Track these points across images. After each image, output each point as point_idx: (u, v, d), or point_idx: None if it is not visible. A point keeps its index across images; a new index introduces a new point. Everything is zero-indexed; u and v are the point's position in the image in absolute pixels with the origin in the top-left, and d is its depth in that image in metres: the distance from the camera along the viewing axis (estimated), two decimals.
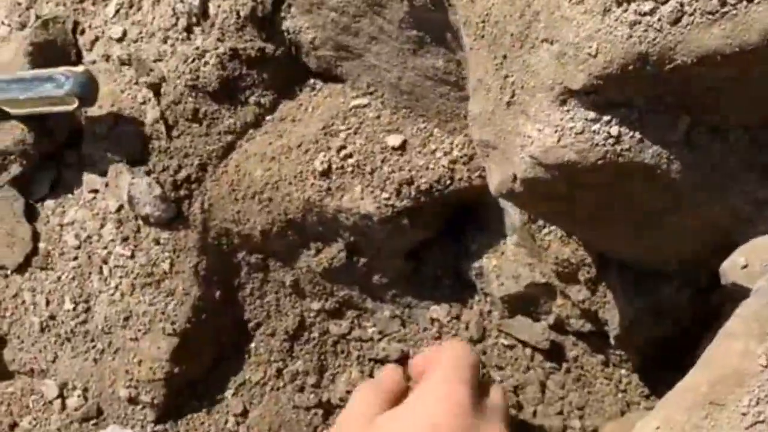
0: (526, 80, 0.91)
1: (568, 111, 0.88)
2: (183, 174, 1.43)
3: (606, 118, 0.88)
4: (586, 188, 0.95)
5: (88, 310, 1.51)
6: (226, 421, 1.55)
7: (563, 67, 0.86)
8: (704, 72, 0.82)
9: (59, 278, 1.51)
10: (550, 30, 0.86)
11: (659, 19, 0.80)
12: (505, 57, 0.93)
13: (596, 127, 0.88)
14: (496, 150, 0.99)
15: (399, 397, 1.23)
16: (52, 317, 1.51)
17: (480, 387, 1.19)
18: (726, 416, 0.83)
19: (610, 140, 0.88)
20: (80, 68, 1.37)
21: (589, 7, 0.83)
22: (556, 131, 0.89)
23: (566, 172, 0.92)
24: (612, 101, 0.87)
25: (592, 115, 0.88)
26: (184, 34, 1.42)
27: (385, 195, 1.35)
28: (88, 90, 1.35)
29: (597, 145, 0.88)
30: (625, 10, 0.81)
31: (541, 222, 1.26)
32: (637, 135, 0.88)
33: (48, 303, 1.51)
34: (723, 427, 0.83)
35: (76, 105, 1.35)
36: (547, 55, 0.88)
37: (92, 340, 1.51)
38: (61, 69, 1.37)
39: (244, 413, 1.56)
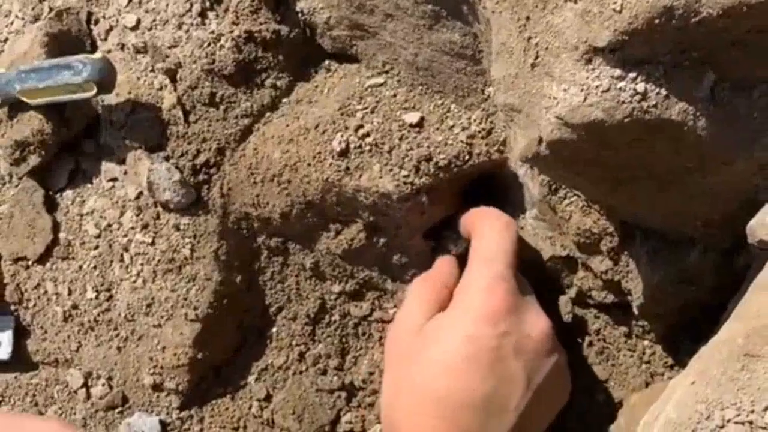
0: (550, 41, 0.91)
1: (593, 69, 0.89)
2: (201, 159, 1.43)
3: (632, 75, 0.88)
4: (611, 149, 0.96)
5: (110, 298, 1.51)
6: (250, 407, 1.56)
7: (588, 25, 0.87)
8: (729, 24, 0.83)
9: (81, 267, 1.52)
10: None
11: None
12: (528, 18, 0.93)
13: (622, 84, 0.88)
14: (520, 114, 0.99)
15: (454, 289, 1.30)
16: (75, 306, 1.52)
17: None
18: (762, 367, 0.83)
19: (636, 97, 0.88)
20: (98, 55, 1.37)
21: None
22: (582, 90, 0.90)
23: (592, 132, 0.92)
24: (637, 58, 0.88)
25: (617, 72, 0.88)
26: (199, 19, 1.43)
27: (403, 172, 1.36)
28: (106, 76, 1.36)
29: (623, 102, 0.89)
30: None
31: (562, 193, 1.27)
32: (663, 92, 0.89)
33: (70, 292, 1.52)
34: (759, 378, 0.83)
35: (94, 91, 1.36)
36: (571, 14, 0.88)
37: (115, 328, 1.52)
38: (79, 56, 1.38)
39: (268, 398, 1.56)
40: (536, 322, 1.24)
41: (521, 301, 1.24)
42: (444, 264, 1.38)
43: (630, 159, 0.98)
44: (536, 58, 0.93)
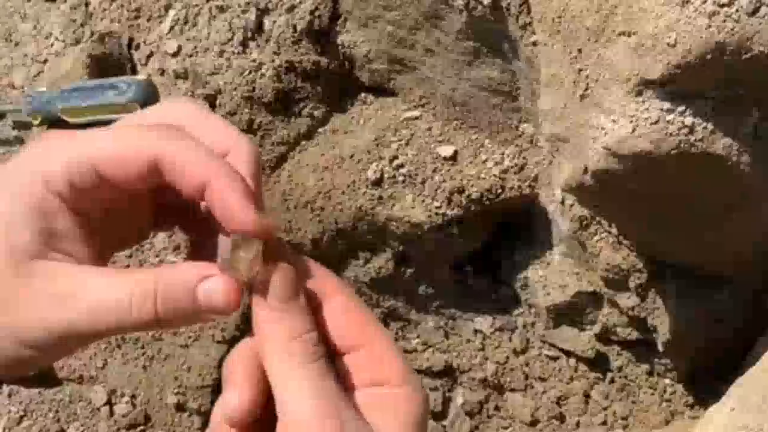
0: (601, 73, 0.95)
1: (643, 102, 0.92)
2: None
3: (680, 108, 0.91)
4: (655, 181, 0.98)
5: None
6: None
7: (640, 58, 0.90)
8: None
9: None
10: (628, 23, 0.90)
11: (737, 10, 0.84)
12: (580, 51, 0.97)
13: (671, 117, 0.91)
14: (567, 144, 1.02)
15: None
16: None
17: None
18: None
19: (684, 130, 0.92)
20: (142, 76, 1.40)
21: None
22: (631, 122, 0.93)
23: (639, 163, 0.95)
24: (686, 92, 0.91)
25: (667, 105, 0.91)
26: (240, 48, 1.46)
27: (436, 203, 1.38)
28: (150, 97, 1.39)
29: (671, 135, 0.92)
30: (704, 2, 0.85)
31: (592, 229, 1.29)
32: (710, 126, 0.92)
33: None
34: None
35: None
36: (624, 48, 0.92)
37: (142, 347, 1.53)
38: (124, 77, 1.41)
39: None
40: None
41: None
42: None
43: (672, 192, 1.00)
44: (586, 89, 0.97)
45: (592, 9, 0.92)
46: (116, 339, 1.54)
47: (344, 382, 0.58)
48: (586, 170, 0.99)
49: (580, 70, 0.96)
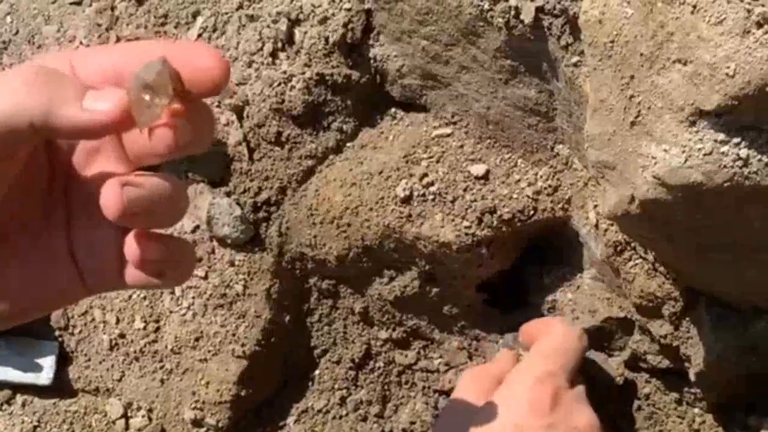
0: (654, 101, 0.92)
1: (697, 132, 0.89)
2: (263, 196, 1.43)
3: (735, 140, 0.88)
4: (704, 213, 0.96)
5: (158, 329, 1.50)
6: None
7: (696, 87, 0.87)
8: None
9: (130, 297, 1.51)
10: (685, 50, 0.87)
11: None
12: (632, 77, 0.94)
13: (725, 149, 0.89)
14: (613, 171, 1.00)
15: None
16: (122, 335, 1.51)
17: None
18: None
19: (738, 162, 0.89)
20: None
21: (728, 28, 0.84)
22: (683, 152, 0.90)
23: (689, 195, 0.92)
24: (742, 124, 0.88)
25: (721, 136, 0.88)
26: (270, 58, 1.44)
27: (465, 223, 1.36)
28: None
29: (725, 167, 0.89)
30: (766, 32, 0.83)
31: (627, 255, 1.27)
32: (765, 159, 0.89)
33: (118, 321, 1.51)
34: None
35: None
36: (679, 76, 0.89)
37: (160, 360, 1.51)
38: None
39: None
40: (583, 417, 1.24)
41: (569, 395, 1.24)
42: (504, 359, 1.38)
43: (720, 226, 0.98)
44: (637, 116, 0.94)
45: (647, 35, 0.90)
46: (135, 351, 1.51)
47: None
48: (632, 199, 0.96)
49: (631, 96, 0.93)
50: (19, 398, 1.56)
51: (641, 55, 0.92)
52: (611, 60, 0.96)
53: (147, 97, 0.50)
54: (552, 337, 1.30)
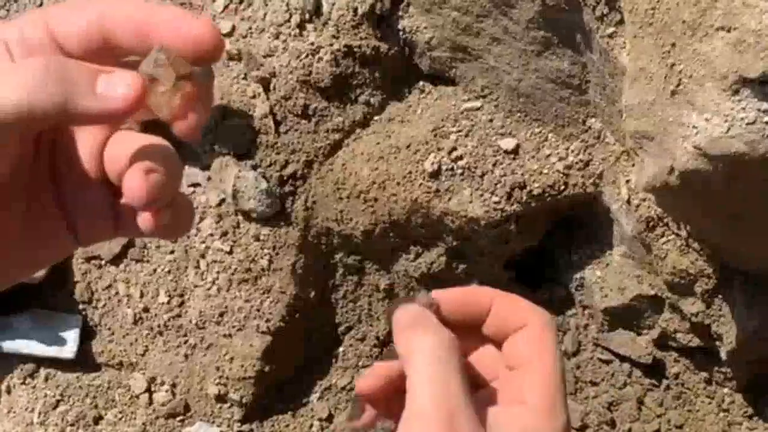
0: (696, 69, 0.90)
1: (740, 101, 0.87)
2: (289, 170, 1.42)
3: None
4: (744, 183, 0.94)
5: (182, 304, 1.49)
6: (311, 425, 1.53)
7: (740, 55, 0.85)
8: None
9: (155, 271, 1.50)
10: (729, 17, 0.85)
11: None
12: (673, 45, 0.92)
13: None
14: (652, 141, 0.98)
15: None
16: (146, 310, 1.49)
17: None
18: None
19: None
20: None
21: None
22: (725, 121, 0.88)
23: (730, 164, 0.91)
24: None
25: (765, 105, 0.86)
26: (297, 30, 1.42)
27: (494, 198, 1.34)
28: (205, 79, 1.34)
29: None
30: None
31: (659, 231, 1.25)
32: None
33: (142, 295, 1.50)
34: None
35: None
36: (722, 43, 0.87)
37: (185, 335, 1.49)
38: None
39: (329, 418, 1.54)
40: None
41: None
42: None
43: (760, 197, 0.96)
44: (678, 85, 0.92)
45: (690, 1, 0.88)
46: (159, 325, 1.50)
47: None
48: (672, 170, 0.94)
49: (672, 64, 0.91)
50: (43, 372, 1.54)
51: (683, 22, 0.90)
52: (652, 27, 0.94)
53: (160, 89, 0.49)
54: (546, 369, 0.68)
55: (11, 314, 1.54)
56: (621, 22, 1.12)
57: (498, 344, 0.62)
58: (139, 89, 0.49)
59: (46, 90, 0.48)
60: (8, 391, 1.55)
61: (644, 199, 1.24)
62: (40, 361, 1.55)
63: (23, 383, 1.55)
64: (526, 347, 0.59)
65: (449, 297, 0.62)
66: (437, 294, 0.60)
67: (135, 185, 0.50)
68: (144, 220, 0.52)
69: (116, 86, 0.49)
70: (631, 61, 0.99)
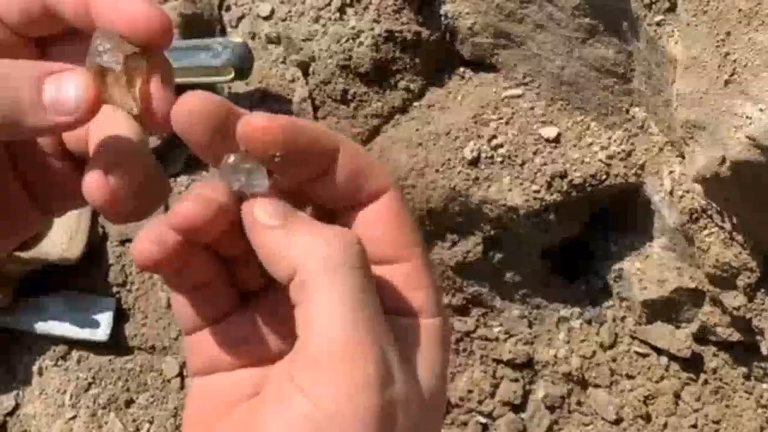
0: (751, 58, 0.88)
1: None
2: None
3: None
4: None
5: None
6: None
7: None
8: None
9: None
10: None
11: None
12: (728, 34, 0.90)
13: None
14: (704, 131, 0.96)
15: None
16: None
17: None
18: None
19: None
20: (238, 39, 1.35)
21: None
22: None
23: None
24: None
25: None
26: (337, 14, 1.41)
27: (534, 187, 1.33)
28: (245, 61, 1.34)
29: None
30: None
31: (702, 222, 1.23)
32: None
33: None
34: None
35: (231, 76, 1.34)
36: None
37: None
38: (219, 39, 1.36)
39: None
40: None
41: None
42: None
43: None
44: (732, 74, 0.90)
45: None
46: None
47: None
48: (723, 161, 0.92)
49: (726, 53, 0.89)
50: (75, 354, 1.54)
51: (739, 10, 0.88)
52: (706, 16, 0.92)
53: (113, 79, 0.45)
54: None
55: (44, 296, 1.54)
56: (669, 10, 1.10)
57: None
58: (92, 88, 0.44)
59: None
60: (40, 373, 1.55)
61: (687, 191, 1.22)
62: (73, 344, 1.55)
63: (55, 365, 1.55)
64: (391, 229, 0.47)
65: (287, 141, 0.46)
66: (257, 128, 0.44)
67: (93, 186, 0.44)
68: (104, 210, 0.46)
69: (67, 91, 0.44)
70: (684, 50, 0.97)
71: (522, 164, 1.33)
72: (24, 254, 1.45)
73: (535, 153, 1.33)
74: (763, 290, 1.23)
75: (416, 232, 0.48)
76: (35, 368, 1.54)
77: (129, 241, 1.52)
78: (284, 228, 0.45)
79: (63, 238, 1.46)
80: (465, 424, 1.53)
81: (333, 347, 0.42)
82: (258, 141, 0.45)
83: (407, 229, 0.48)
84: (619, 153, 1.31)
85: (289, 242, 0.45)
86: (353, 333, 0.43)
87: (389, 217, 0.47)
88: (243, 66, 1.33)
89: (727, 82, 0.91)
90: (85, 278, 1.53)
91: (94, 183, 0.44)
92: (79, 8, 0.46)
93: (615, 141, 1.32)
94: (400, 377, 0.44)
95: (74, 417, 1.53)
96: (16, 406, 1.56)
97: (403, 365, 0.45)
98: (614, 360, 1.49)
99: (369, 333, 0.43)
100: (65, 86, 0.44)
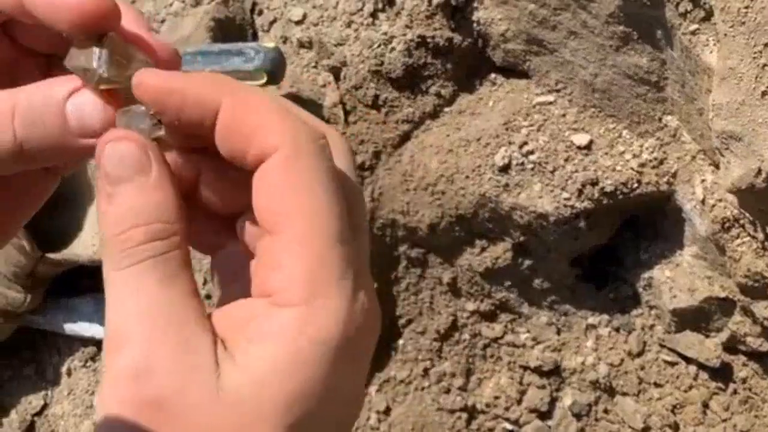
0: None
1: None
2: (357, 160, 1.41)
3: None
4: None
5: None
6: (368, 418, 1.53)
7: None
8: None
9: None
10: None
11: None
12: (766, 45, 0.90)
13: None
14: (740, 142, 0.96)
15: None
16: (208, 296, 1.49)
17: None
18: None
19: None
20: (271, 44, 1.36)
21: None
22: None
23: None
24: None
25: None
26: (370, 19, 1.41)
27: (565, 194, 1.32)
28: (278, 66, 1.34)
29: None
30: None
31: (734, 232, 1.22)
32: None
33: (205, 282, 1.50)
34: None
35: (264, 81, 1.34)
36: None
37: None
38: (252, 44, 1.36)
39: (387, 411, 1.53)
40: None
41: None
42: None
43: None
44: None
45: None
46: None
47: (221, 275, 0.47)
48: (759, 172, 0.92)
49: (764, 65, 0.89)
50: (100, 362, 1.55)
51: None
52: (744, 27, 0.92)
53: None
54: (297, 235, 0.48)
55: (74, 297, 1.54)
56: (705, 19, 1.09)
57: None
58: (107, 107, 0.44)
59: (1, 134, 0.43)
60: (69, 374, 1.56)
61: (720, 200, 1.22)
62: (102, 345, 1.55)
63: (84, 366, 1.56)
64: (271, 197, 0.43)
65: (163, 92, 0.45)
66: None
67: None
68: None
69: (90, 112, 0.44)
70: (720, 60, 0.97)
71: (553, 171, 1.33)
72: (55, 256, 1.46)
73: (566, 160, 1.33)
74: None
75: (312, 197, 0.43)
76: (64, 369, 1.55)
77: None
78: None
79: (94, 240, 1.47)
80: (491, 430, 1.53)
81: None
82: (139, 98, 0.45)
83: (288, 196, 0.43)
84: (651, 161, 1.31)
85: None
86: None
87: (267, 181, 0.43)
88: (276, 71, 1.33)
89: (764, 94, 0.90)
90: None
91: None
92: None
93: (647, 149, 1.31)
94: None
95: None
96: (45, 406, 1.57)
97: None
98: (642, 368, 1.48)
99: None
100: (87, 104, 0.44)
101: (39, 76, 0.49)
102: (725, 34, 0.95)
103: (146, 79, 0.45)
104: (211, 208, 0.49)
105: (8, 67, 0.49)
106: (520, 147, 1.35)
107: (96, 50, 0.44)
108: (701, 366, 1.43)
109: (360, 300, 0.43)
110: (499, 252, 1.43)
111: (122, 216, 0.43)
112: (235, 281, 0.47)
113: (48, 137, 0.45)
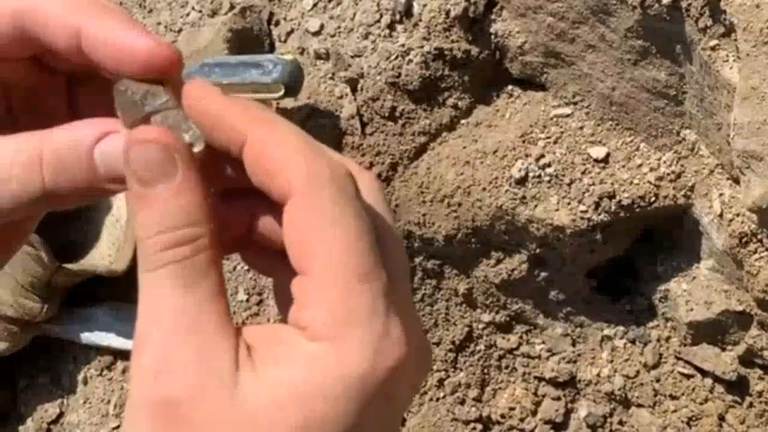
0: None
1: None
2: (374, 172, 1.41)
3: None
4: None
5: (260, 302, 1.49)
6: None
7: None
8: None
9: (234, 268, 1.50)
10: None
11: None
12: None
13: None
14: (761, 162, 0.96)
15: None
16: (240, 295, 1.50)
17: None
18: None
19: None
20: (289, 56, 1.36)
21: None
22: None
23: None
24: None
25: None
26: (387, 31, 1.41)
27: (582, 207, 1.32)
28: (295, 79, 1.34)
29: None
30: None
31: (752, 247, 1.22)
32: None
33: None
34: None
35: (281, 93, 1.34)
36: None
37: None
38: (270, 56, 1.36)
39: (402, 421, 1.53)
40: None
41: None
42: None
43: None
44: None
45: None
46: (237, 323, 1.50)
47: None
48: None
49: None
50: (120, 364, 1.56)
51: None
52: (767, 47, 0.92)
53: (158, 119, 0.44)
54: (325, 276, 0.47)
55: (91, 306, 1.55)
56: (724, 35, 1.09)
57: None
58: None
59: (28, 180, 0.43)
60: (85, 382, 1.57)
61: (738, 214, 1.22)
62: (118, 354, 1.56)
63: (100, 375, 1.56)
64: (295, 238, 0.43)
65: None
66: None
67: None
68: None
69: (118, 158, 0.43)
70: (742, 80, 0.97)
71: (570, 184, 1.33)
72: (72, 266, 1.46)
73: (583, 173, 1.33)
74: None
75: (334, 236, 0.43)
76: (80, 377, 1.56)
77: None
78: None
79: (110, 251, 1.47)
80: None
81: None
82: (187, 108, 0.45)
83: (312, 235, 0.43)
84: (668, 174, 1.31)
85: None
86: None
87: (292, 221, 0.43)
88: (293, 84, 1.34)
89: None
90: (131, 289, 1.54)
91: None
92: (70, 41, 0.45)
93: (665, 162, 1.31)
94: None
95: (117, 427, 1.54)
96: (61, 415, 1.57)
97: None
98: (658, 380, 1.48)
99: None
100: (114, 155, 0.44)
101: (60, 95, 0.50)
102: (747, 54, 0.95)
103: (193, 92, 0.44)
104: (265, 240, 0.49)
105: (31, 89, 0.50)
106: (537, 159, 1.35)
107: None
108: (717, 379, 1.43)
109: (393, 337, 0.43)
110: (515, 264, 1.43)
111: (150, 220, 0.44)
112: (291, 304, 0.46)
113: (76, 183, 0.45)
